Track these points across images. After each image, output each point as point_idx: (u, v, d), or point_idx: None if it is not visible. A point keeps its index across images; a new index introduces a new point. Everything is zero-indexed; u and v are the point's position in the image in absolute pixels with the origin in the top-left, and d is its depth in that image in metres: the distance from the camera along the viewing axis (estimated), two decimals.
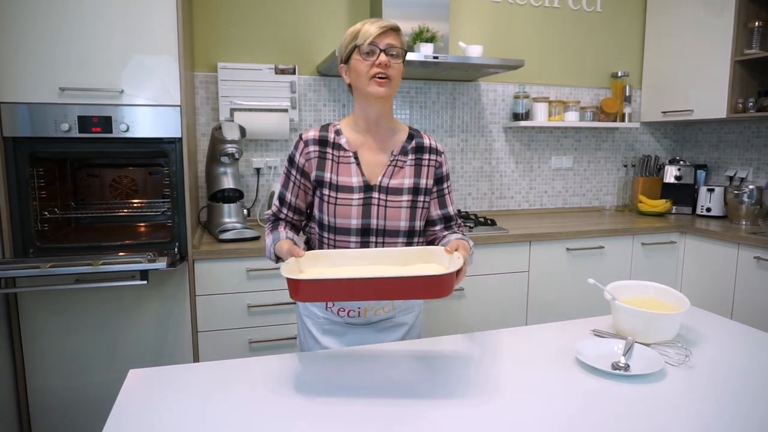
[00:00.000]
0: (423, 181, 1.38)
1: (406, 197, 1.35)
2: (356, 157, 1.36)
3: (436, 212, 1.43)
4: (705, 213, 3.09)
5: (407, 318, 1.47)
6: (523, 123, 3.01)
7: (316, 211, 1.37)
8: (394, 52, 1.29)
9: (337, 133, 1.38)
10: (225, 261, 2.13)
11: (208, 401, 1.02)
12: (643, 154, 3.45)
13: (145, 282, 1.91)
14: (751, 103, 2.77)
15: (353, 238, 1.34)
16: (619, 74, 3.27)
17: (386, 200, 1.34)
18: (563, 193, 3.37)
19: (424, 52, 2.50)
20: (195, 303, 2.12)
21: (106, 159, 2.42)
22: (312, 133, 1.37)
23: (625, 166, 3.46)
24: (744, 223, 2.83)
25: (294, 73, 2.63)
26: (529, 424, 0.95)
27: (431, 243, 1.45)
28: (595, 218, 3.05)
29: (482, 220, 2.73)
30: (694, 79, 3.04)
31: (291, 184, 1.39)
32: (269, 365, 1.19)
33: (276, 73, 2.63)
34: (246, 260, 2.15)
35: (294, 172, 1.38)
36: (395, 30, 1.31)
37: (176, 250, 2.04)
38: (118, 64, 1.93)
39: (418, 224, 1.38)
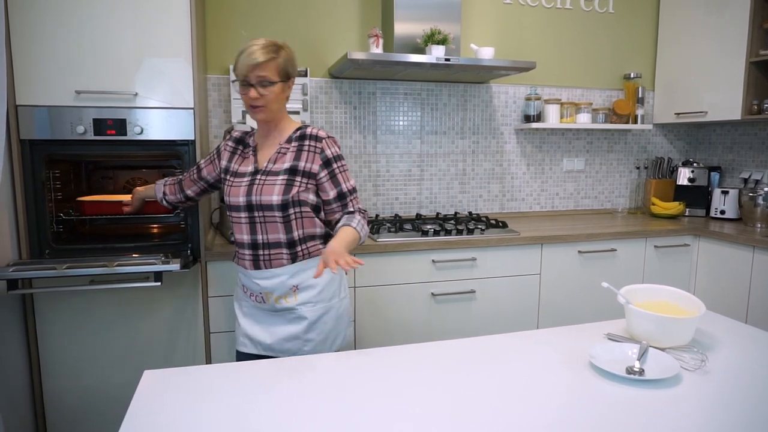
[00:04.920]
0: (302, 164, 1.57)
1: (282, 177, 1.55)
2: (255, 151, 1.65)
3: (332, 191, 1.61)
4: (719, 215, 3.06)
5: (310, 310, 1.59)
6: (534, 125, 3.00)
7: (224, 195, 1.66)
8: (265, 83, 1.52)
9: (250, 135, 1.71)
10: None
11: (223, 403, 1.03)
12: (656, 156, 3.43)
13: (159, 283, 1.93)
14: (767, 105, 2.74)
15: (243, 214, 1.58)
16: (632, 75, 3.25)
17: (265, 180, 1.56)
18: (575, 195, 3.35)
19: (435, 54, 2.50)
20: (207, 304, 2.14)
21: (121, 161, 2.44)
22: (237, 134, 1.74)
23: (638, 168, 3.43)
24: (759, 225, 2.80)
25: (306, 75, 2.63)
26: (542, 429, 0.94)
27: (331, 221, 1.66)
28: (608, 221, 3.03)
29: (493, 222, 2.72)
30: (708, 80, 3.01)
31: (209, 156, 1.79)
32: (283, 367, 1.19)
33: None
34: None
35: (215, 151, 1.77)
36: (266, 62, 1.51)
37: (189, 251, 2.06)
38: (132, 67, 1.95)
39: (291, 198, 1.55)
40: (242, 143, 1.70)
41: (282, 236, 1.57)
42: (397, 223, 2.59)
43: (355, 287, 2.30)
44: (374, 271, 2.32)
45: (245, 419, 0.97)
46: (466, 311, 2.47)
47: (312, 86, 2.77)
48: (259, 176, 1.58)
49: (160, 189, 1.89)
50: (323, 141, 1.60)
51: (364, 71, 2.63)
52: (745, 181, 3.15)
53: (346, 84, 2.84)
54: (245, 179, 1.59)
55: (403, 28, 2.62)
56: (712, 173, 3.27)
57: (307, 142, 1.59)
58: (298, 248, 1.59)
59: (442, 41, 2.55)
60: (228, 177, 1.65)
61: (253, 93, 1.53)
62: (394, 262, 2.34)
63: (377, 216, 2.89)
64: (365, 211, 1.65)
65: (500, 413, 0.99)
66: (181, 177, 1.86)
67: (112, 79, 1.94)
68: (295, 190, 1.55)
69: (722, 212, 3.05)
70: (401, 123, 2.96)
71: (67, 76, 1.90)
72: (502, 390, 1.08)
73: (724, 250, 2.66)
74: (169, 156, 2.21)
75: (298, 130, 1.63)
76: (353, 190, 1.65)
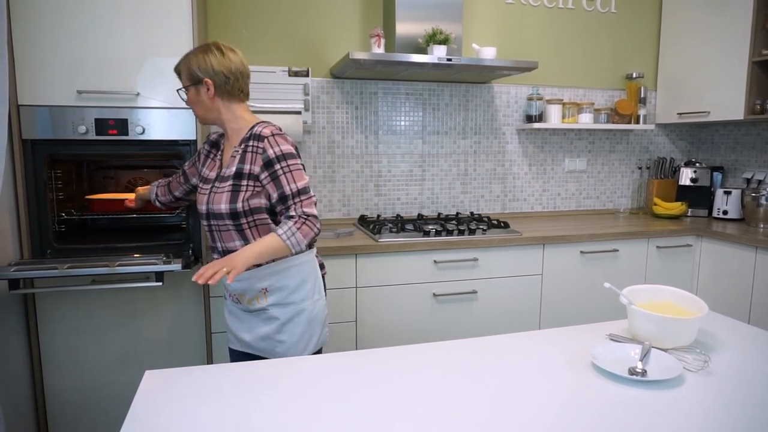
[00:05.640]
0: (247, 167, 1.51)
1: (228, 183, 1.52)
2: (221, 155, 1.63)
3: (274, 193, 1.51)
4: (721, 216, 3.05)
5: (279, 312, 1.57)
6: (536, 125, 3.00)
7: None
8: (180, 91, 1.60)
9: (222, 137, 1.68)
10: None
11: (224, 403, 1.03)
12: (658, 156, 3.42)
13: (160, 283, 1.93)
14: None
15: (204, 222, 1.59)
16: (634, 75, 3.24)
17: (217, 187, 1.54)
18: (577, 195, 3.35)
19: (437, 54, 2.50)
20: (209, 304, 2.14)
21: (122, 161, 2.44)
22: (214, 136, 1.70)
23: (640, 168, 3.42)
24: (762, 226, 2.79)
25: (307, 75, 2.63)
26: (544, 429, 0.94)
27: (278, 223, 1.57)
28: (610, 221, 3.03)
29: (495, 222, 2.72)
30: (710, 80, 3.00)
31: (192, 158, 1.80)
32: (285, 367, 1.19)
33: (289, 75, 2.64)
34: None
35: (197, 154, 1.75)
36: (178, 72, 1.58)
37: (190, 251, 2.06)
38: (133, 67, 1.95)
39: (240, 206, 1.50)
40: (216, 146, 1.67)
41: (238, 243, 1.54)
42: (399, 224, 2.59)
43: (356, 287, 2.30)
44: (376, 271, 2.31)
45: (246, 419, 0.97)
46: (467, 312, 2.47)
47: (313, 86, 2.77)
48: (216, 183, 1.56)
49: (153, 190, 1.91)
50: (265, 140, 1.50)
51: (366, 71, 2.63)
52: (748, 181, 3.14)
53: (347, 84, 2.84)
54: (206, 187, 1.59)
55: (404, 28, 2.61)
56: (715, 173, 3.26)
57: (251, 143, 1.52)
58: None
59: (444, 41, 2.54)
60: (199, 183, 1.65)
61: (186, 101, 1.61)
62: (395, 263, 2.34)
63: (379, 216, 2.89)
64: (312, 216, 1.49)
65: (502, 414, 0.99)
66: (170, 179, 1.88)
67: (114, 79, 1.95)
68: (242, 195, 1.50)
69: (725, 212, 3.04)
70: (403, 123, 2.96)
71: (69, 76, 1.91)
72: (504, 390, 1.08)
73: (727, 251, 2.65)
74: (170, 156, 2.22)
75: (251, 130, 1.55)
76: (300, 192, 1.50)
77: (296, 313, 1.58)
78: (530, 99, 3.05)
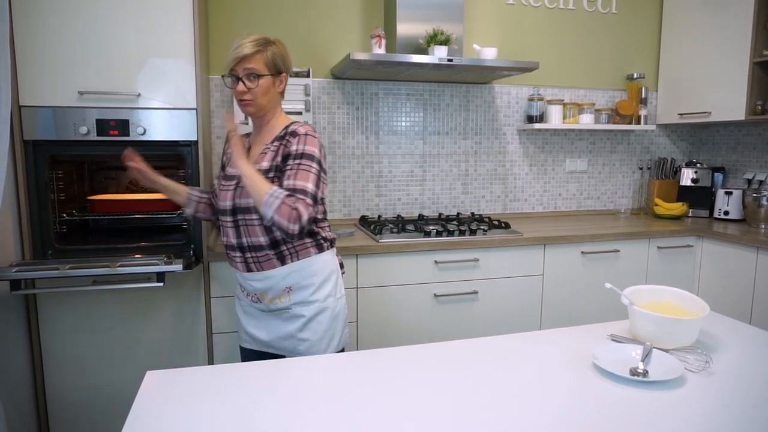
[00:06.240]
0: (279, 159, 1.52)
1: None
2: (248, 152, 1.60)
3: (284, 184, 1.49)
4: (722, 216, 3.05)
5: (303, 310, 1.58)
6: (537, 125, 3.00)
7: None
8: (252, 76, 1.50)
9: (247, 135, 1.68)
10: None
11: (226, 403, 1.03)
12: (659, 157, 3.42)
13: (161, 284, 1.93)
14: None
15: (228, 218, 1.57)
16: (635, 76, 3.24)
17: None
18: (578, 196, 3.35)
19: (438, 54, 2.50)
20: (210, 305, 2.14)
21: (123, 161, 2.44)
22: None
23: (641, 168, 3.42)
24: (763, 226, 2.79)
25: (308, 75, 2.63)
26: (545, 429, 0.94)
27: None
28: (610, 221, 3.03)
29: (496, 222, 2.72)
30: (711, 80, 3.00)
31: (218, 174, 1.72)
32: (286, 367, 1.19)
33: (290, 75, 2.64)
34: None
35: (221, 167, 1.71)
36: (252, 54, 1.49)
37: (191, 252, 2.06)
38: (135, 67, 1.95)
39: None
40: None
41: (262, 239, 1.53)
42: (400, 224, 2.59)
43: (357, 288, 2.30)
44: (376, 271, 2.31)
45: (248, 419, 0.97)
46: (468, 312, 2.47)
47: (314, 87, 2.77)
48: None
49: (193, 206, 1.76)
50: (297, 137, 1.51)
51: (367, 72, 2.63)
52: (749, 181, 3.14)
53: (348, 84, 2.84)
54: (232, 183, 1.57)
55: (405, 28, 2.62)
56: (716, 174, 3.26)
57: (287, 139, 1.53)
58: (283, 248, 1.55)
59: (445, 42, 2.54)
60: (221, 181, 1.63)
61: (240, 87, 1.51)
62: (396, 263, 2.34)
63: (380, 217, 2.89)
64: (299, 211, 1.41)
65: (503, 414, 0.99)
66: (209, 197, 1.79)
67: (115, 80, 1.95)
68: None
69: (726, 213, 3.04)
70: (404, 123, 2.96)
71: (70, 77, 1.91)
72: (505, 391, 1.08)
73: (728, 251, 2.65)
74: (171, 156, 2.21)
75: (287, 127, 1.57)
76: (298, 191, 1.44)
77: (320, 310, 1.59)
78: (531, 99, 3.05)
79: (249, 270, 1.58)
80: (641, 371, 1.13)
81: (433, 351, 1.30)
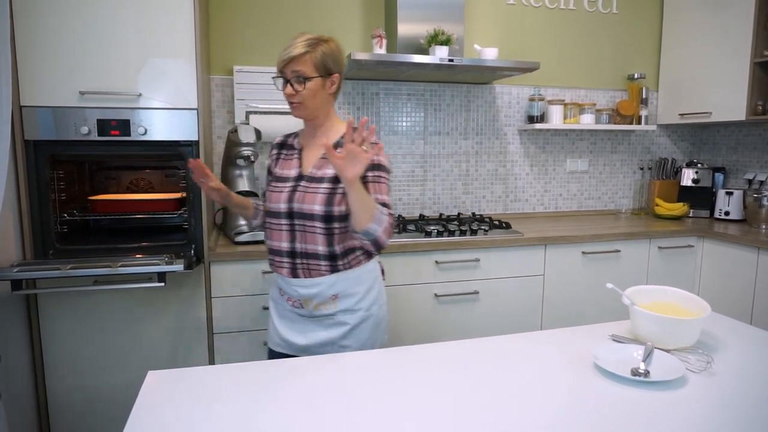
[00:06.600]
0: None
1: (325, 185, 1.47)
2: (300, 153, 1.58)
3: None
4: (723, 217, 3.05)
5: (348, 318, 1.54)
6: (538, 125, 3.00)
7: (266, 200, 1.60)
8: (300, 79, 1.45)
9: (295, 136, 1.64)
10: (240, 263, 2.15)
11: (227, 404, 1.03)
12: (660, 157, 3.42)
13: (163, 284, 1.93)
14: None
15: (283, 221, 1.51)
16: (636, 76, 3.24)
17: (307, 187, 1.49)
18: (578, 196, 3.35)
19: (439, 55, 2.50)
20: (211, 305, 2.14)
21: (124, 161, 2.44)
22: (279, 139, 1.67)
23: (641, 168, 3.42)
24: (764, 226, 2.78)
25: None
26: (546, 430, 0.94)
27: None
28: (611, 222, 3.03)
29: (497, 223, 2.71)
30: (712, 80, 3.00)
31: (267, 181, 1.66)
32: (288, 368, 1.19)
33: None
34: (261, 262, 2.16)
35: (268, 171, 1.66)
36: (301, 55, 1.44)
37: (192, 252, 2.06)
38: (135, 68, 1.95)
39: (336, 210, 1.46)
40: (285, 146, 1.63)
41: (321, 248, 1.48)
42: (401, 224, 2.59)
43: None
44: None
45: (249, 419, 0.97)
46: (469, 312, 2.47)
47: None
48: (302, 182, 1.50)
49: (260, 216, 1.70)
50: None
51: (368, 72, 2.63)
52: (750, 182, 3.14)
53: (349, 84, 2.84)
54: (288, 184, 1.52)
55: (406, 28, 2.62)
56: (717, 174, 3.26)
57: None
58: (339, 262, 1.50)
59: (446, 42, 2.54)
60: (272, 182, 1.58)
61: (288, 89, 1.47)
62: (397, 263, 2.34)
63: None
64: (391, 228, 1.43)
65: (503, 414, 0.99)
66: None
67: (116, 80, 1.95)
68: (337, 199, 1.45)
69: (726, 213, 3.04)
70: (404, 124, 2.96)
71: (71, 77, 1.91)
72: (506, 391, 1.08)
73: (729, 252, 2.65)
74: (172, 156, 2.22)
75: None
76: (386, 205, 1.44)
77: (364, 319, 1.55)
78: (532, 99, 3.05)
79: (295, 276, 1.52)
80: (642, 371, 1.13)
81: (433, 351, 1.30)
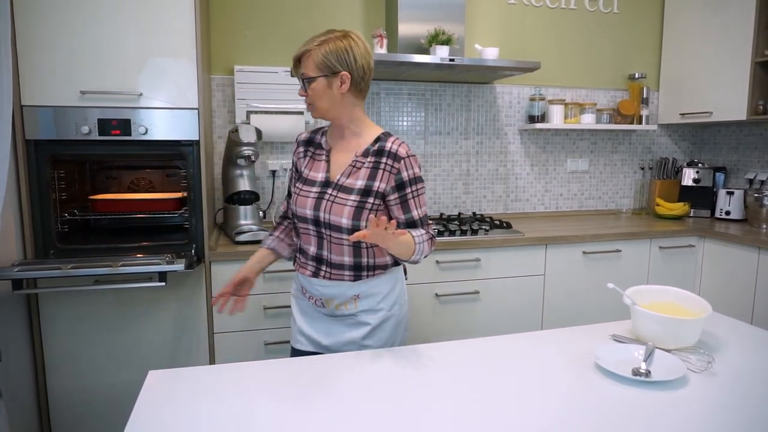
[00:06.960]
0: (376, 184, 1.41)
1: (353, 197, 1.41)
2: (328, 155, 1.50)
3: (400, 217, 1.45)
4: (724, 216, 3.05)
5: (370, 318, 1.51)
6: (538, 125, 3.00)
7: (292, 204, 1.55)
8: (305, 80, 1.40)
9: (323, 134, 1.54)
10: (241, 262, 2.12)
11: (228, 403, 1.03)
12: (661, 157, 3.42)
13: (163, 284, 1.93)
14: None
15: (311, 227, 1.47)
16: (637, 76, 3.24)
17: (335, 197, 1.43)
18: (579, 195, 3.34)
19: (439, 54, 2.50)
20: (211, 305, 2.14)
21: (125, 161, 2.44)
22: (304, 135, 1.57)
23: (642, 168, 3.42)
24: (765, 226, 2.78)
25: None
26: (547, 429, 0.94)
27: None
28: (612, 221, 3.02)
29: (497, 222, 2.71)
30: (713, 80, 3.00)
31: (291, 179, 1.59)
32: (288, 368, 1.19)
33: (292, 75, 2.64)
34: None
35: (292, 169, 1.59)
36: (303, 55, 1.40)
37: (193, 251, 2.06)
38: (136, 67, 1.96)
39: (364, 225, 1.40)
40: (312, 144, 1.55)
41: (347, 259, 1.45)
42: None
43: None
44: None
45: (249, 419, 0.97)
46: (470, 312, 2.47)
47: None
48: (330, 190, 1.44)
49: (285, 248, 1.63)
50: (402, 161, 1.41)
51: None
52: (751, 181, 3.13)
53: None
54: (314, 189, 1.46)
55: (407, 28, 2.62)
56: (717, 174, 3.26)
57: (384, 160, 1.42)
58: (363, 273, 1.47)
59: (446, 41, 2.54)
60: (298, 183, 1.52)
61: (300, 90, 1.43)
62: None
63: None
64: (434, 237, 1.47)
65: (504, 414, 0.99)
66: (284, 225, 1.65)
67: (117, 80, 1.95)
68: (365, 213, 1.40)
69: (727, 213, 3.04)
70: (405, 123, 2.96)
71: (71, 77, 1.91)
72: (507, 391, 1.08)
73: (730, 251, 2.65)
74: (173, 156, 2.22)
75: (377, 141, 1.44)
76: (425, 218, 1.46)
77: (385, 318, 1.53)
78: (532, 99, 3.05)
79: (316, 277, 1.50)
80: (644, 371, 1.13)
81: (434, 351, 1.30)
